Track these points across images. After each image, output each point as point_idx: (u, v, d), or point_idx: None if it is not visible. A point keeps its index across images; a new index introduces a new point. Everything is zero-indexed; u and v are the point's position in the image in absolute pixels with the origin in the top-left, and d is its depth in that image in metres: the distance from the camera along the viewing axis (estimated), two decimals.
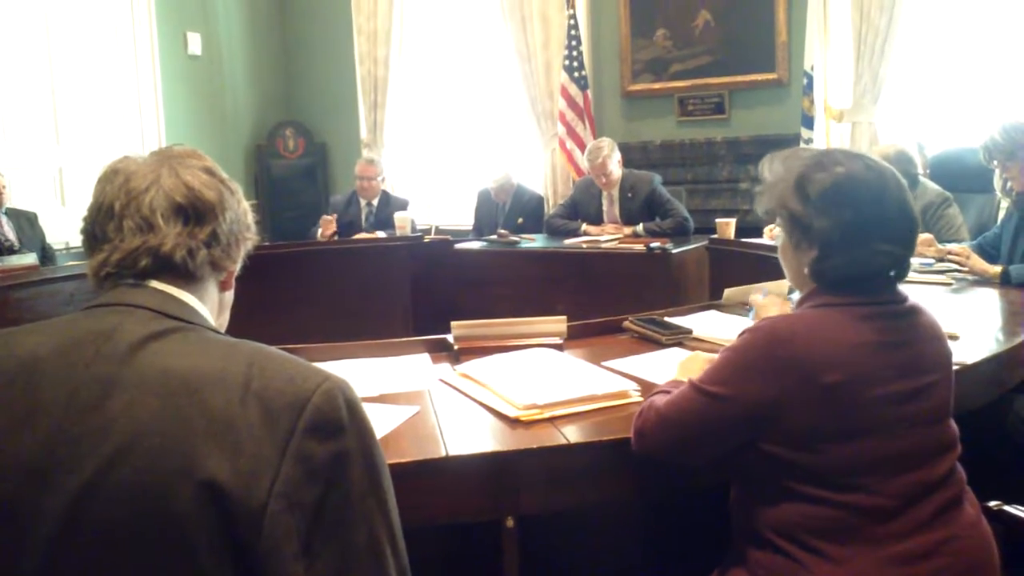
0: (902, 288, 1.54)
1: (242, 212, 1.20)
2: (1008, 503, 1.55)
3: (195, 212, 1.11)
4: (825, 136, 5.36)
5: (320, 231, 5.41)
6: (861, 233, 1.47)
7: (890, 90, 5.28)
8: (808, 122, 5.32)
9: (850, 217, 1.47)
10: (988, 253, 3.36)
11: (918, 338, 1.49)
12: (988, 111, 4.95)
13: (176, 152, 1.17)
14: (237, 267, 1.22)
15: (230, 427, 0.93)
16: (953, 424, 1.53)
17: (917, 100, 5.41)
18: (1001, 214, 3.68)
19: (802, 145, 5.23)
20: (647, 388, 1.86)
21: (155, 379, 0.96)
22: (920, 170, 4.22)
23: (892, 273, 1.52)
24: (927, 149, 4.80)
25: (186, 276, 1.11)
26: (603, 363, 2.10)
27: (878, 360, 1.43)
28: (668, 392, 1.59)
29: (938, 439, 1.48)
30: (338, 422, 0.97)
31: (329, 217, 5.45)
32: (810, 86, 5.30)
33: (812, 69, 5.28)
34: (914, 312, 1.52)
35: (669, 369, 1.99)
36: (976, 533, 1.46)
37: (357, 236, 5.52)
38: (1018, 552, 1.56)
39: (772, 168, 1.61)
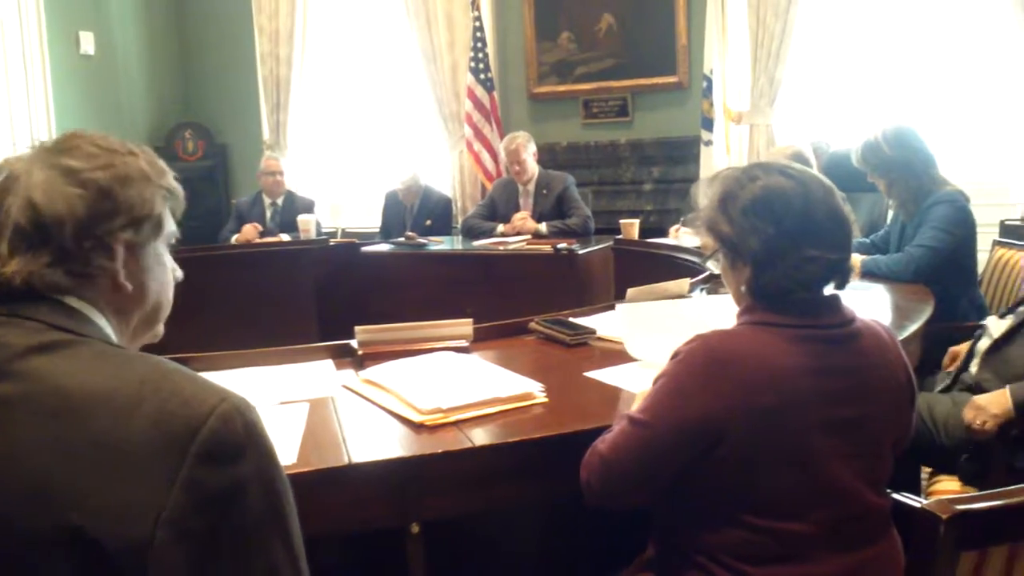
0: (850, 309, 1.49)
1: (124, 205, 1.05)
2: (897, 491, 1.60)
3: (37, 233, 0.99)
4: (724, 138, 5.50)
5: (236, 238, 5.40)
6: (786, 244, 1.43)
7: (786, 93, 5.44)
8: (708, 124, 5.46)
9: (773, 230, 1.43)
10: (881, 249, 3.51)
11: (859, 365, 1.45)
12: (880, 112, 5.15)
13: (51, 146, 1.04)
14: (119, 265, 1.05)
15: (116, 453, 0.87)
16: (889, 459, 1.49)
17: (811, 102, 5.59)
18: (891, 213, 3.82)
19: (703, 148, 5.37)
20: (553, 389, 1.87)
21: (36, 399, 0.90)
22: (816, 171, 4.34)
23: (832, 283, 1.48)
24: (831, 147, 4.95)
25: (65, 287, 1.00)
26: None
27: (808, 386, 1.39)
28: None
29: (868, 474, 1.45)
30: (235, 447, 0.91)
31: (250, 226, 5.46)
32: (709, 89, 5.43)
33: (711, 72, 5.41)
34: (857, 336, 1.46)
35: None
36: (892, 554, 1.47)
37: (258, 240, 5.41)
38: (908, 539, 1.62)
39: (703, 192, 1.58)
